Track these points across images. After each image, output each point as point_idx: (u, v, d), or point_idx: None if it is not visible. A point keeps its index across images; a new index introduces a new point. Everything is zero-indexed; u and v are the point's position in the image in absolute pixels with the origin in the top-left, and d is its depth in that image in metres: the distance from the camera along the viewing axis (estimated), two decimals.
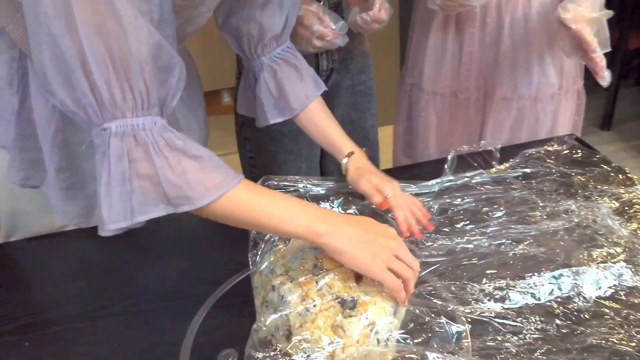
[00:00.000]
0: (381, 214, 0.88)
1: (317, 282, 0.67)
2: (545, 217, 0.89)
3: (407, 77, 1.32)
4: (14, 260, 0.92)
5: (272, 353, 0.65)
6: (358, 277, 0.69)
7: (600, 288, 0.75)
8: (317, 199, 0.93)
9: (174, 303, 0.80)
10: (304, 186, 0.95)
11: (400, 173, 0.99)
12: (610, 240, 0.83)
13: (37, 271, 0.89)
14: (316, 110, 0.95)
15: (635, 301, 0.73)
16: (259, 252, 0.78)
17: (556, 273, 0.77)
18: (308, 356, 0.63)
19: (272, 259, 0.74)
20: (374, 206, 0.88)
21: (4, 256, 0.92)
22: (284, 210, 0.66)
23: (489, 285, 0.76)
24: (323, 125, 0.95)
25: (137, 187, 0.60)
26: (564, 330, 0.69)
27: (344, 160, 0.92)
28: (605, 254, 0.80)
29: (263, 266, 0.74)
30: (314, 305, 0.65)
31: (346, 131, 1.27)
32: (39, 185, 0.84)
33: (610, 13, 0.98)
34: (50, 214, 0.86)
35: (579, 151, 1.08)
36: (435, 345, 0.65)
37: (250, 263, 0.78)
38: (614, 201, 0.92)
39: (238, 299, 0.78)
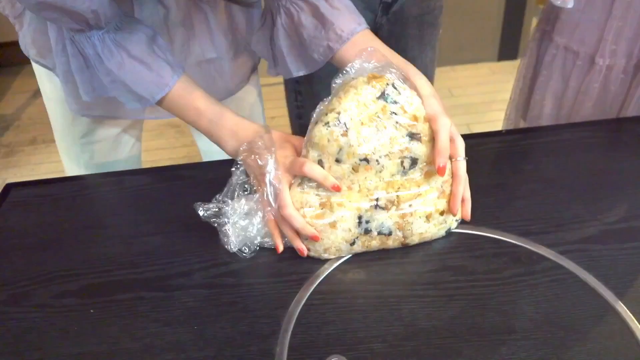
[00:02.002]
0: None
1: None
2: None
3: (541, 22, 1.07)
4: (82, 199, 0.79)
5: None
6: None
7: None
8: None
9: (267, 282, 0.65)
10: None
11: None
12: None
13: (107, 216, 0.76)
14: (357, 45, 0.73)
15: None
16: None
17: None
18: None
19: None
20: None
21: (72, 194, 0.80)
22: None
23: None
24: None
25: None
26: None
27: None
28: None
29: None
30: None
31: None
32: (52, 68, 0.83)
33: None
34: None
35: None
36: None
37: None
38: None
39: (348, 284, 0.63)
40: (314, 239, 0.65)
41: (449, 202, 0.67)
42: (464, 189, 0.68)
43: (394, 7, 1.02)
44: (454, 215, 0.68)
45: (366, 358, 0.56)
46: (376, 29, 1.05)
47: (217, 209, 0.68)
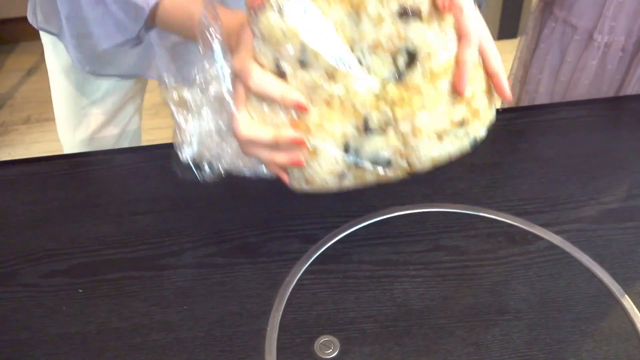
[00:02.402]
0: None
1: None
2: None
3: None
4: (71, 177, 0.78)
5: None
6: None
7: None
8: None
9: (258, 261, 0.64)
10: None
11: None
12: None
13: (96, 195, 0.75)
14: None
15: None
16: None
17: None
18: None
19: None
20: None
21: (61, 173, 0.78)
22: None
23: None
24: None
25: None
26: None
27: None
28: None
29: None
30: None
31: None
32: (57, 33, 0.85)
33: None
34: None
35: None
36: None
37: None
38: None
39: (340, 264, 0.62)
40: (300, 108, 0.46)
41: (483, 90, 0.48)
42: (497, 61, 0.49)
43: None
44: (507, 99, 0.49)
45: (357, 338, 0.56)
46: None
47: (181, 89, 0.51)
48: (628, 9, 0.87)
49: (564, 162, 0.76)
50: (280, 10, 0.42)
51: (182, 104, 0.49)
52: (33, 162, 0.81)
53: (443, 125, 0.47)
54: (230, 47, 0.49)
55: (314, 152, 0.48)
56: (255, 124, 0.47)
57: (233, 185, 0.65)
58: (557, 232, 0.65)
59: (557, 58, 0.99)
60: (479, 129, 0.51)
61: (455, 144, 0.50)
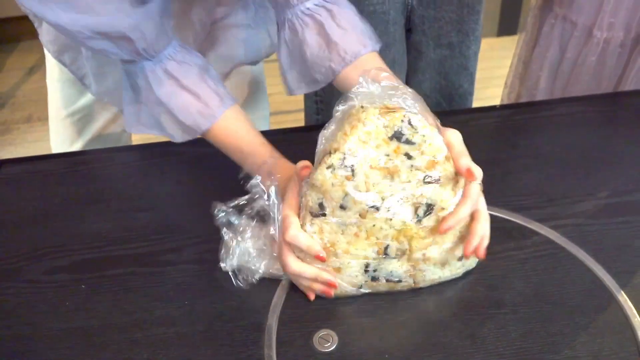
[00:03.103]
0: None
1: None
2: None
3: None
4: (73, 175, 0.79)
5: None
6: None
7: None
8: None
9: None
10: None
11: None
12: None
13: (98, 192, 0.76)
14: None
15: None
16: None
17: None
18: None
19: None
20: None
21: (63, 170, 0.79)
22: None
23: None
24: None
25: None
26: None
27: None
28: None
29: None
30: None
31: (443, 56, 1.00)
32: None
33: None
34: None
35: None
36: None
37: None
38: None
39: None
40: (320, 259, 0.56)
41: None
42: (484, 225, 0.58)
43: None
44: (466, 258, 0.60)
45: (355, 332, 0.56)
46: (408, 13, 0.98)
47: (231, 215, 0.62)
48: (627, 4, 0.87)
49: (562, 157, 0.76)
50: (332, 168, 0.53)
51: (230, 226, 0.62)
52: (36, 160, 0.82)
53: (447, 258, 0.59)
54: (281, 192, 0.59)
55: (338, 270, 0.58)
56: (301, 263, 0.57)
57: (234, 184, 0.66)
58: (553, 227, 0.66)
59: (557, 54, 1.00)
60: (471, 263, 0.62)
61: (452, 272, 0.61)
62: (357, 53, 0.67)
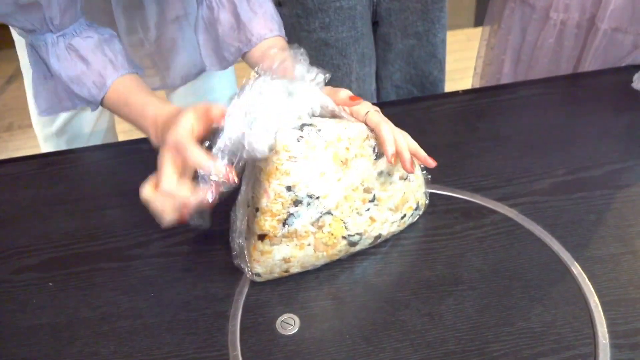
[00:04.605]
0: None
1: None
2: None
3: None
4: (41, 177, 0.79)
5: None
6: None
7: None
8: None
9: (223, 248, 0.66)
10: None
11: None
12: None
13: (66, 192, 0.76)
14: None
15: None
16: None
17: None
18: None
19: None
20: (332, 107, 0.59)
21: (32, 172, 0.80)
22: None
23: None
24: None
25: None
26: None
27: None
28: None
29: None
30: None
31: (411, 46, 1.02)
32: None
33: None
34: None
35: None
36: None
37: None
38: None
39: None
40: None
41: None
42: (404, 139, 0.58)
43: None
44: (410, 171, 0.59)
45: (317, 315, 0.58)
46: (374, 6, 1.00)
47: None
48: None
49: (520, 139, 0.78)
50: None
51: None
52: (3, 163, 0.82)
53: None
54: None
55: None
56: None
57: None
58: (511, 206, 0.67)
59: (518, 38, 1.02)
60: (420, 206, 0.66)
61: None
62: (262, 36, 0.71)
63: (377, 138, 0.58)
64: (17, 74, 2.60)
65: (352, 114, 0.59)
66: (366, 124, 0.58)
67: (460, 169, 0.73)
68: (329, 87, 0.59)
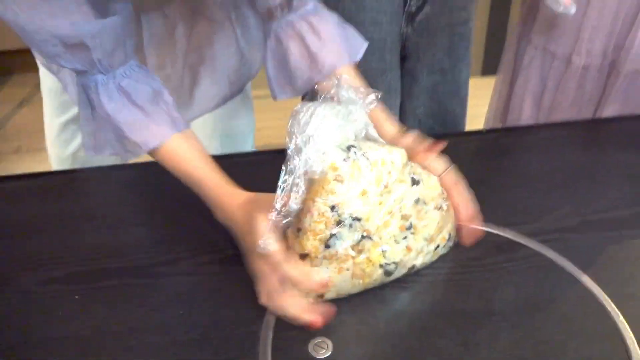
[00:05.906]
0: None
1: None
2: None
3: (520, 24, 1.10)
4: (69, 191, 0.79)
5: None
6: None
7: None
8: None
9: None
10: None
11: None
12: None
13: (94, 208, 0.76)
14: None
15: None
16: None
17: None
18: None
19: None
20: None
21: (60, 187, 0.80)
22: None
23: None
24: None
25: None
26: None
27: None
28: None
29: None
30: None
31: (435, 82, 1.04)
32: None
33: None
34: None
35: None
36: None
37: None
38: None
39: None
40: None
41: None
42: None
43: (419, 16, 0.98)
44: (465, 244, 0.65)
45: (351, 339, 0.57)
46: (403, 41, 1.02)
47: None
48: (603, 32, 0.92)
49: (547, 177, 0.79)
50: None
51: None
52: (34, 176, 0.82)
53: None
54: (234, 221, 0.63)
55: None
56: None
57: None
58: (541, 241, 0.67)
59: (539, 85, 1.04)
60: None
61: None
62: (333, 65, 0.72)
63: (450, 198, 0.63)
64: (29, 98, 2.63)
65: (425, 167, 0.63)
66: (441, 181, 0.62)
67: (488, 204, 0.74)
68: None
